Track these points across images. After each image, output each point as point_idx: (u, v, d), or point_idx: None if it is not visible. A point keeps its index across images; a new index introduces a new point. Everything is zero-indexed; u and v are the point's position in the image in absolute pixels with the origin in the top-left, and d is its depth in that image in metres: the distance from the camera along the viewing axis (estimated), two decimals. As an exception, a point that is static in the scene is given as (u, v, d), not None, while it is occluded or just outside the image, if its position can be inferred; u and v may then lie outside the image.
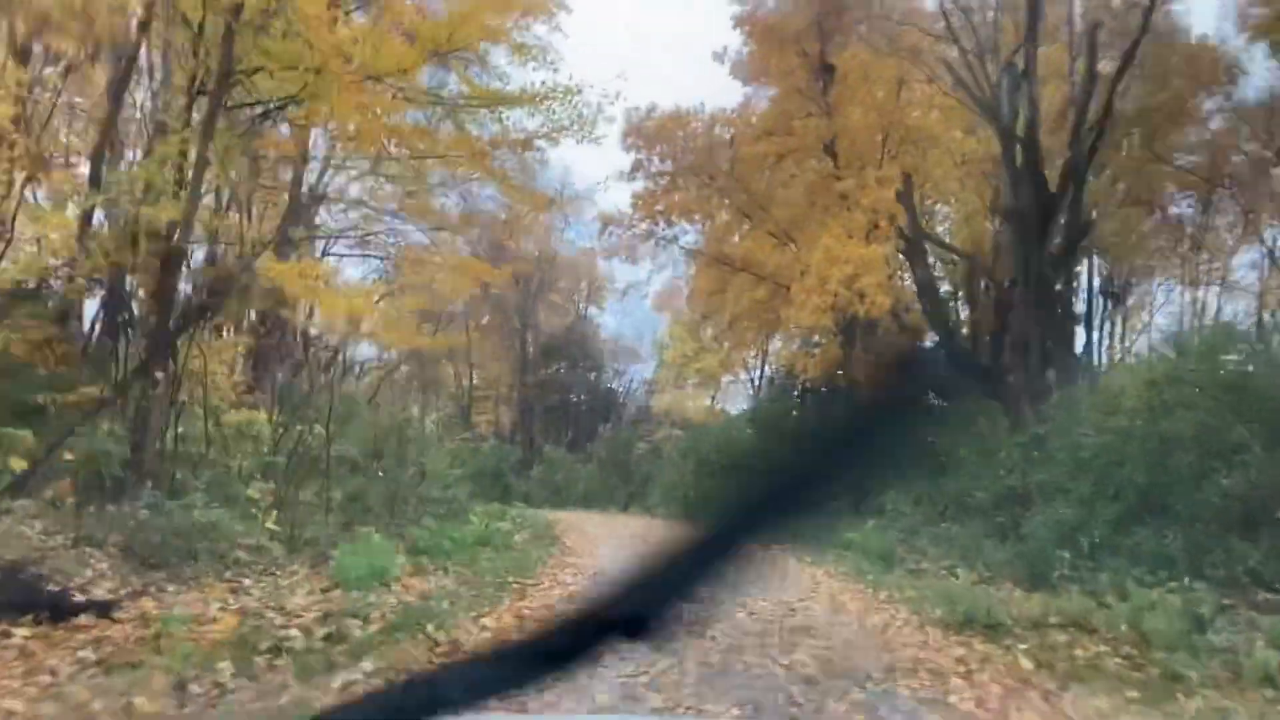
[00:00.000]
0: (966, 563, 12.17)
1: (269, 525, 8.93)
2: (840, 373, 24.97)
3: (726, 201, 25.15)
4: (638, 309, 46.57)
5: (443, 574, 9.67)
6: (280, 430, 10.79)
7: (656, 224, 25.07)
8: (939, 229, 29.79)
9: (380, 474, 13.07)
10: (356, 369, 25.84)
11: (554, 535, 15.36)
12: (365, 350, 35.83)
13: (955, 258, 28.23)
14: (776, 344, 34.86)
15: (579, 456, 38.56)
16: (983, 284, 30.96)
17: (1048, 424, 15.21)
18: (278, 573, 8.56)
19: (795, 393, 31.78)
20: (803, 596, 9.59)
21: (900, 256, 23.82)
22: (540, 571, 10.80)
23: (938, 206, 30.47)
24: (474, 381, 43.79)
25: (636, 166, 24.19)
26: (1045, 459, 14.35)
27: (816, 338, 27.61)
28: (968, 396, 19.39)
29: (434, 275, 18.40)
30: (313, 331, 24.83)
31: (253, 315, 16.91)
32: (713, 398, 43.27)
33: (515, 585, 9.33)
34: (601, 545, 15.16)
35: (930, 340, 26.07)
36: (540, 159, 15.98)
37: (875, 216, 22.51)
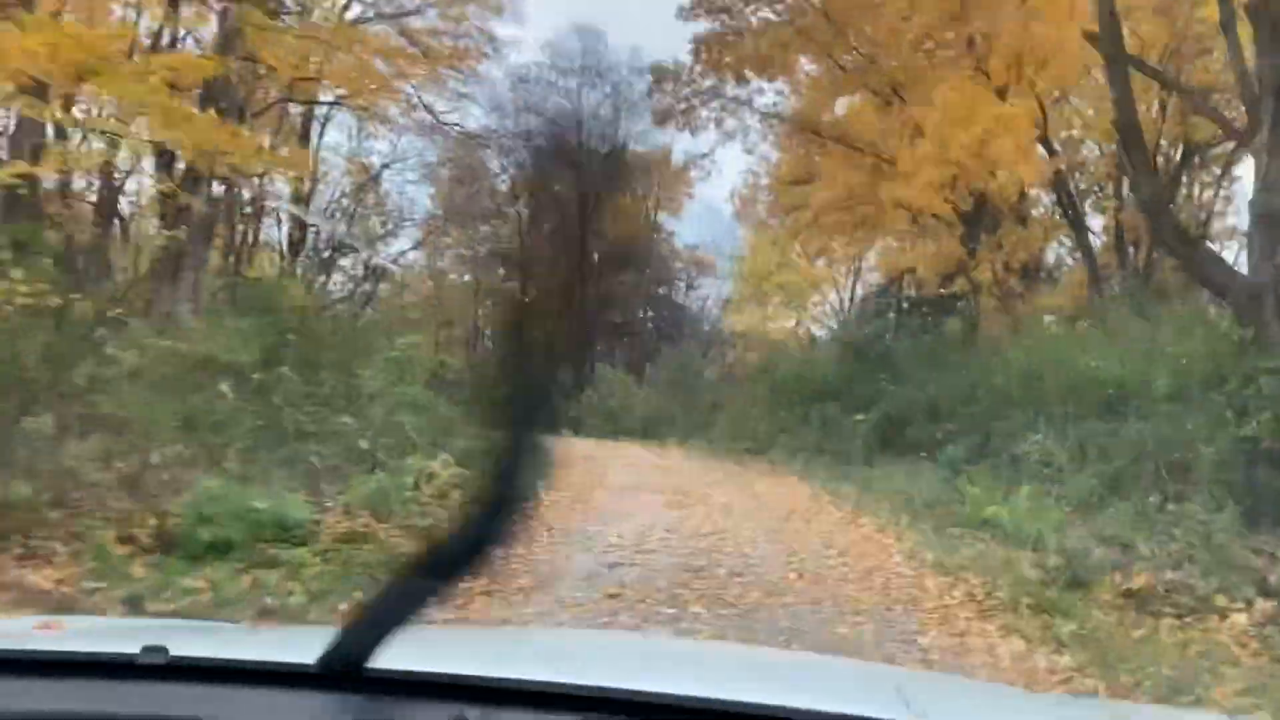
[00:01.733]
0: (1217, 578, 6.65)
1: None
2: (958, 278, 19.16)
3: (816, 50, 19.25)
4: (717, 218, 40.99)
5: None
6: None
7: (724, 79, 19.33)
8: (1077, 119, 23.53)
9: (228, 392, 8.00)
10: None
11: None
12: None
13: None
14: (872, 261, 29.21)
15: (639, 379, 33.82)
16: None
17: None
18: None
19: (893, 310, 26.46)
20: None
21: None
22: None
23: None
24: (529, 293, 38.99)
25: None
26: (1324, 396, 8.70)
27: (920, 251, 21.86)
28: (1169, 298, 13.71)
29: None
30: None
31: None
32: (797, 318, 37.67)
33: None
34: (581, 520, 9.38)
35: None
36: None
37: (1017, 63, 16.69)
